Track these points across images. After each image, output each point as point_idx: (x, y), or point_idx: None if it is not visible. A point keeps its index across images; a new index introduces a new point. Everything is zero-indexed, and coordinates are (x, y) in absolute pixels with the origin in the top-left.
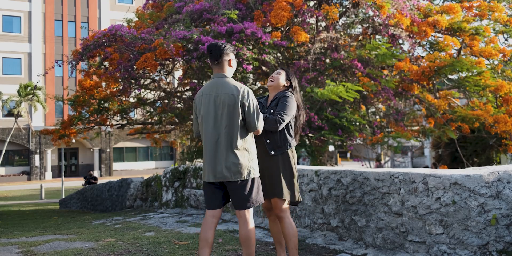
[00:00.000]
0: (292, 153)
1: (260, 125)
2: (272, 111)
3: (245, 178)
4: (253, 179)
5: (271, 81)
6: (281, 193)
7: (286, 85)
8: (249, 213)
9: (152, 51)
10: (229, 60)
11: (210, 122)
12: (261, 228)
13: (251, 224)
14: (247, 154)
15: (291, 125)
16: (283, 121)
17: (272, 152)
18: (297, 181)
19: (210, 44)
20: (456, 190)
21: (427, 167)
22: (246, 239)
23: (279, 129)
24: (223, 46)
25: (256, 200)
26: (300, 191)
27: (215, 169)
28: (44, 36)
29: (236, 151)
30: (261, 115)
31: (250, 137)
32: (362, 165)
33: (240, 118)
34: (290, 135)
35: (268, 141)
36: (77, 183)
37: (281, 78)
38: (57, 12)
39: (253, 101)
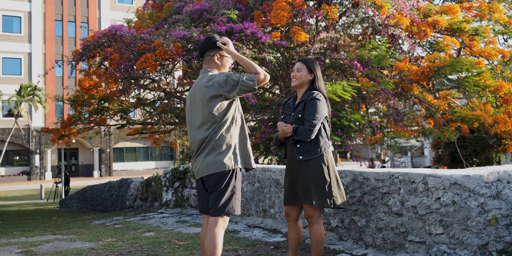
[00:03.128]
0: (327, 157)
1: (260, 71)
2: (300, 115)
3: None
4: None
5: (294, 80)
6: (310, 200)
7: (311, 78)
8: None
9: (152, 51)
10: (214, 55)
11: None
12: (261, 228)
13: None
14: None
15: (324, 127)
16: (314, 128)
17: (300, 157)
18: (330, 186)
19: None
20: (456, 190)
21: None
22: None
23: (313, 137)
24: (212, 40)
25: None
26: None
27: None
28: (44, 36)
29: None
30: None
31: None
32: (361, 165)
33: (227, 110)
34: (324, 138)
35: (298, 145)
36: (78, 183)
37: (303, 74)
38: (57, 12)
39: (229, 76)
